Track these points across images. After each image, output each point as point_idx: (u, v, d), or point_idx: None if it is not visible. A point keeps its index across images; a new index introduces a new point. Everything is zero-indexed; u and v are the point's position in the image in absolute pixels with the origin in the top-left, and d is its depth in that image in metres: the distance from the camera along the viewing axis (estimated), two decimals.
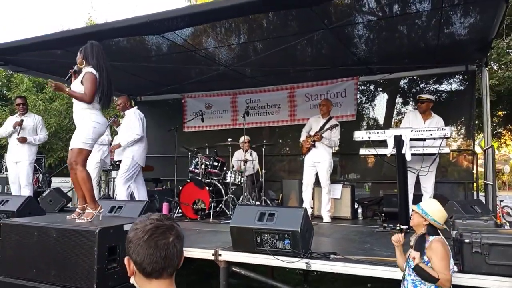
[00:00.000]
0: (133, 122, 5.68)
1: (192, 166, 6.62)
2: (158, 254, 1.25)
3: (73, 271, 2.98)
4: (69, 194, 7.25)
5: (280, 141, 8.80)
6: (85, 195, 3.52)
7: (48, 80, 4.01)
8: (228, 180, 6.50)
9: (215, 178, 6.58)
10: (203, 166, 6.48)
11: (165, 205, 6.30)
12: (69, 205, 6.90)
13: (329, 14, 4.88)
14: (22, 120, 6.33)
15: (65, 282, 3.00)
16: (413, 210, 2.78)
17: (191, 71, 7.29)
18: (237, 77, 7.55)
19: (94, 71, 3.67)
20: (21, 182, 6.30)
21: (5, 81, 21.06)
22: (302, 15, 4.85)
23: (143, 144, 5.79)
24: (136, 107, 6.07)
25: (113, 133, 7.12)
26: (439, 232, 2.66)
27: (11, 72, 17.13)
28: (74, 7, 54.55)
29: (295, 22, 5.25)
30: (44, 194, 6.66)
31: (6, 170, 7.94)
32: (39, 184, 6.62)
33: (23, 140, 6.28)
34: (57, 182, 9.28)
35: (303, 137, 6.37)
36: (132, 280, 1.33)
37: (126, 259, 1.32)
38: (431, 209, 2.66)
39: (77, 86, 3.68)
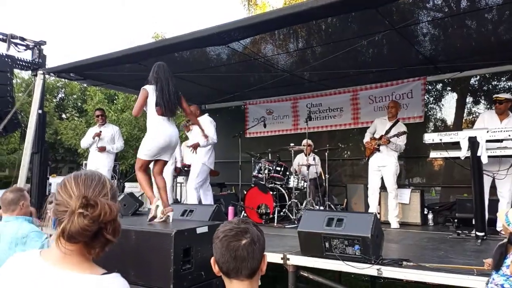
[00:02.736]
0: (207, 127, 5.77)
1: (256, 171, 6.73)
2: (228, 254, 1.34)
3: (151, 271, 3.14)
4: (140, 198, 7.67)
5: (341, 145, 8.66)
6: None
7: None
8: (291, 184, 6.53)
9: (278, 183, 6.63)
10: (266, 171, 6.56)
11: (230, 209, 6.45)
12: (140, 209, 7.30)
13: (391, 13, 4.76)
14: (100, 132, 6.89)
15: (143, 282, 3.16)
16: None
17: (251, 78, 7.43)
18: (297, 82, 7.56)
19: (146, 86, 3.93)
20: None
21: (80, 94, 22.80)
22: (362, 16, 4.77)
23: (212, 149, 6.10)
24: (207, 114, 6.33)
25: (183, 137, 7.42)
26: None
27: (85, 85, 18.51)
28: (140, 22, 57.66)
29: (355, 24, 5.18)
30: (119, 199, 7.11)
31: None
32: None
33: (102, 149, 6.83)
34: (129, 187, 9.86)
35: (366, 138, 6.24)
36: None
37: (212, 259, 1.42)
38: None
39: None
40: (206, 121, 6.00)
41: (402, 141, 5.89)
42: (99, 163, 6.91)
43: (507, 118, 5.15)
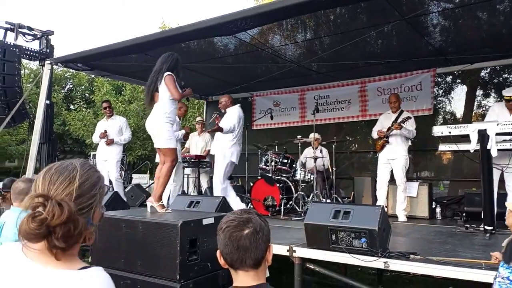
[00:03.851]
0: (228, 118, 5.64)
1: (263, 163, 6.72)
2: (231, 245, 1.33)
3: (157, 262, 3.15)
4: (148, 190, 7.71)
5: (348, 137, 8.60)
6: None
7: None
8: (298, 177, 6.50)
9: (285, 175, 6.61)
10: (273, 163, 6.55)
11: None
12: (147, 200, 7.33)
13: (400, 3, 4.69)
14: (105, 131, 6.94)
15: (150, 272, 3.17)
16: (509, 210, 2.53)
17: (258, 70, 7.38)
18: (304, 73, 7.50)
19: None
20: (111, 179, 6.87)
21: (88, 85, 22.89)
22: (372, 6, 4.70)
23: (236, 144, 5.72)
24: (238, 105, 5.92)
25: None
26: None
27: (93, 76, 18.57)
28: (148, 14, 57.59)
29: (364, 14, 5.10)
30: (126, 190, 7.15)
31: None
32: (122, 180, 7.15)
33: (110, 142, 6.88)
34: (137, 179, 9.91)
35: (374, 134, 6.18)
36: None
37: (218, 252, 1.41)
38: None
39: None
40: (231, 111, 5.73)
41: (411, 125, 5.84)
42: (108, 155, 6.94)
43: None
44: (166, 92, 3.94)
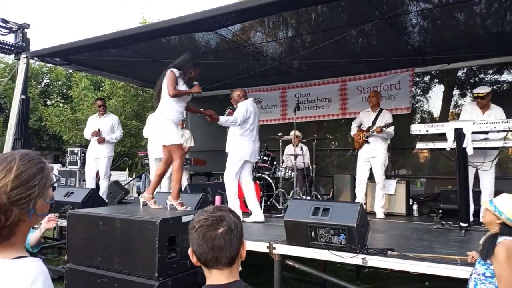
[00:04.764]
0: (237, 111, 5.38)
1: None
2: (205, 245, 1.30)
3: (136, 260, 3.11)
4: (127, 187, 7.60)
5: (328, 135, 8.67)
6: None
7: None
8: (278, 174, 6.52)
9: (266, 173, 6.61)
10: None
11: (217, 198, 6.42)
12: (126, 197, 7.24)
13: (381, 2, 4.74)
14: (99, 129, 6.90)
15: (128, 270, 3.13)
16: (485, 208, 2.55)
17: (239, 67, 7.36)
18: (286, 71, 7.52)
19: None
20: (100, 175, 6.89)
21: (65, 80, 22.41)
22: (353, 5, 4.74)
23: (247, 138, 5.34)
24: (251, 99, 5.63)
25: None
26: None
27: (71, 71, 18.18)
28: (128, 8, 56.70)
29: (345, 12, 5.14)
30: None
31: (70, 164, 8.49)
32: (109, 178, 7.09)
33: (101, 140, 6.84)
34: (115, 176, 9.76)
35: (353, 131, 6.25)
36: None
37: (189, 250, 1.38)
38: (506, 206, 2.40)
39: None
40: (240, 105, 5.40)
41: (391, 127, 5.93)
42: (100, 153, 6.90)
43: (489, 110, 5.18)
44: (166, 89, 3.97)
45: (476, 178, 5.16)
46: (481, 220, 2.66)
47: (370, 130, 5.95)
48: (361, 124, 6.23)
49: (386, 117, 6.00)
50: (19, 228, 1.12)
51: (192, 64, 4.18)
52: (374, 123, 5.99)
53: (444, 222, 5.02)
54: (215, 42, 6.10)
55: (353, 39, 5.96)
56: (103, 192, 6.68)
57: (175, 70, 4.01)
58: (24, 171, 1.13)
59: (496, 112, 5.14)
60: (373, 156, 5.96)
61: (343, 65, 7.15)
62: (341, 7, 4.93)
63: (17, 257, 1.10)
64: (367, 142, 6.01)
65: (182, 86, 4.07)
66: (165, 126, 3.94)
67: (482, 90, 5.20)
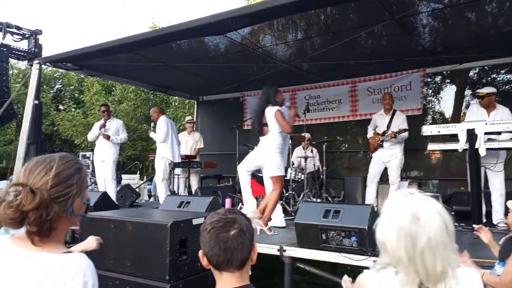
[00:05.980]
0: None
1: None
2: (217, 247, 1.30)
3: (147, 262, 3.12)
4: (138, 190, 7.66)
5: (339, 137, 8.63)
6: None
7: None
8: (288, 177, 6.50)
9: None
10: None
11: (227, 201, 6.42)
12: (137, 200, 7.30)
13: (391, 3, 4.72)
14: (105, 123, 7.05)
15: (139, 273, 3.15)
16: (510, 209, 2.50)
17: (249, 70, 7.37)
18: (295, 73, 7.51)
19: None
20: (106, 178, 6.94)
21: (77, 85, 22.67)
22: (363, 6, 4.72)
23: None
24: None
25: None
26: None
27: (82, 76, 18.40)
28: (138, 12, 57.24)
29: (355, 14, 5.13)
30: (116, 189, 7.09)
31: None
32: (116, 181, 7.15)
33: (107, 137, 6.95)
34: (126, 179, 9.84)
35: (369, 134, 6.25)
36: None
37: (200, 252, 1.38)
38: None
39: None
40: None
41: (405, 133, 5.93)
42: (105, 156, 6.97)
43: (495, 110, 5.12)
44: (275, 125, 4.53)
45: (485, 178, 5.10)
46: (507, 221, 2.61)
47: (385, 135, 5.93)
48: (376, 127, 6.21)
49: (400, 119, 5.97)
50: (59, 224, 1.19)
51: (274, 91, 4.76)
52: (388, 126, 5.98)
53: (457, 224, 4.95)
54: (225, 46, 6.13)
55: (362, 41, 5.93)
56: (111, 194, 6.73)
57: (276, 108, 4.54)
58: (63, 170, 1.20)
59: (502, 112, 5.07)
60: (389, 159, 5.97)
61: (353, 67, 7.12)
62: (350, 8, 4.92)
63: (65, 252, 1.18)
64: (382, 146, 5.99)
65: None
66: (275, 159, 4.50)
67: (483, 90, 5.18)
